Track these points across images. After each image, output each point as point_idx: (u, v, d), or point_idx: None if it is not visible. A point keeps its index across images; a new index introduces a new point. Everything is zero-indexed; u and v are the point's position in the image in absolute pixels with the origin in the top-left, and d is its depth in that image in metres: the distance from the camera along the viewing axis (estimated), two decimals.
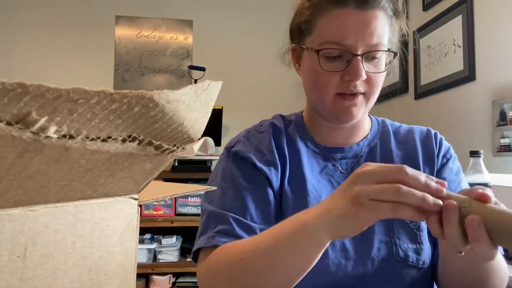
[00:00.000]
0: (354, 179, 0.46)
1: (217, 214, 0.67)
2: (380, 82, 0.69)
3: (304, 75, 0.73)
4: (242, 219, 0.66)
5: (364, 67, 0.65)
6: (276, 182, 0.71)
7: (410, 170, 0.43)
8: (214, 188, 0.55)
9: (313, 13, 0.69)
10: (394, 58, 0.70)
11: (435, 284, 0.72)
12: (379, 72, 0.68)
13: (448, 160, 0.74)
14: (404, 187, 0.42)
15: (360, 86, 0.67)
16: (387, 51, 0.68)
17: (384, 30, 0.67)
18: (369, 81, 0.67)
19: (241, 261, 0.56)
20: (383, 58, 0.69)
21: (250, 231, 0.65)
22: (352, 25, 0.65)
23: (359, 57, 0.65)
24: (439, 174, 0.73)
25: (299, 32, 0.73)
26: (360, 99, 0.68)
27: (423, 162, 0.74)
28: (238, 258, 0.56)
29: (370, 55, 0.66)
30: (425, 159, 0.74)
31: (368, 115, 0.81)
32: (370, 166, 0.46)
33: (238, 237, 0.63)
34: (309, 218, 0.49)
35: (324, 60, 0.67)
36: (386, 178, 0.43)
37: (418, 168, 0.73)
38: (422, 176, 0.43)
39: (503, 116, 1.49)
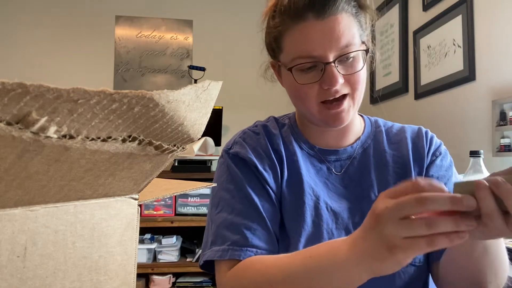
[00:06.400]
0: (377, 220, 0.43)
1: (229, 223, 0.67)
2: (361, 79, 0.68)
3: (286, 89, 0.73)
4: (255, 225, 0.66)
5: (340, 71, 0.65)
6: (276, 188, 0.72)
7: (422, 182, 0.42)
8: (214, 184, 0.55)
9: (278, 31, 0.68)
10: (367, 54, 0.68)
11: (430, 279, 0.72)
12: (357, 71, 0.67)
13: (437, 157, 0.75)
14: (427, 198, 0.40)
15: (342, 90, 0.66)
16: (359, 50, 0.66)
17: (351, 30, 0.65)
18: (349, 82, 0.66)
19: (270, 287, 0.56)
20: (359, 55, 0.67)
21: (265, 238, 0.66)
22: (316, 36, 0.64)
23: (332, 64, 0.64)
24: (427, 171, 0.74)
25: (272, 49, 0.73)
26: (346, 102, 0.67)
27: (413, 161, 0.74)
28: (267, 283, 0.56)
29: (343, 58, 0.65)
30: (415, 158, 0.75)
31: (361, 115, 0.81)
32: (385, 201, 0.44)
33: (253, 246, 0.64)
34: (347, 260, 0.48)
35: (299, 74, 0.66)
36: (408, 211, 0.41)
37: (408, 167, 0.74)
38: (436, 183, 0.42)
39: (503, 116, 1.49)
